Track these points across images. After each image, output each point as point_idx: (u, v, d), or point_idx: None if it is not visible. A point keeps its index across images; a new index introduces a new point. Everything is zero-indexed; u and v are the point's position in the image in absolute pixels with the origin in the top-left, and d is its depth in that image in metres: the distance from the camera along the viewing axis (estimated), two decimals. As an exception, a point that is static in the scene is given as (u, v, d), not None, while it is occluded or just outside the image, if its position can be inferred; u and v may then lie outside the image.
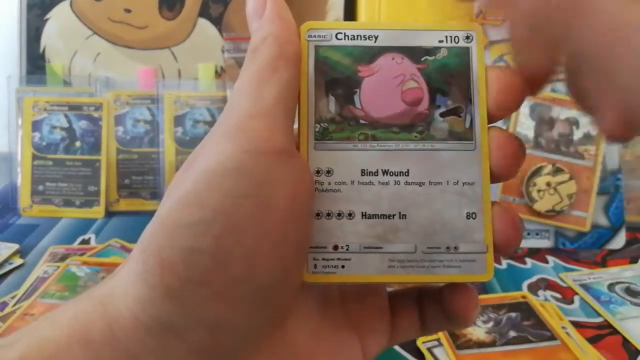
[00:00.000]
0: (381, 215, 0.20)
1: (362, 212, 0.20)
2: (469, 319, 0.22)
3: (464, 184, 0.20)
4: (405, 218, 0.20)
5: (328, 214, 0.20)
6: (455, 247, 0.20)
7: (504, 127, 0.50)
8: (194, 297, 0.16)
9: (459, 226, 0.20)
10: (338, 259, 0.20)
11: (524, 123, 0.49)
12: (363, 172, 0.20)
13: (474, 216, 0.20)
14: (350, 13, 0.60)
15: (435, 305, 0.22)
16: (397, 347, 0.35)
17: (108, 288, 0.18)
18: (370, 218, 0.20)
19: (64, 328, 0.17)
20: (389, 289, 0.24)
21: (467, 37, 0.21)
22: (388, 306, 0.23)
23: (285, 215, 0.17)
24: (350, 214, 0.20)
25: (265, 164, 0.17)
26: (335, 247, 0.20)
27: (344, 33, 0.21)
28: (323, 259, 0.20)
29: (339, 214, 0.20)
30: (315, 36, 0.21)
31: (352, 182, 0.20)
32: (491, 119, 0.21)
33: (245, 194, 0.17)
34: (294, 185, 0.18)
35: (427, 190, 0.20)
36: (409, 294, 0.23)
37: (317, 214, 0.20)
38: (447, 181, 0.20)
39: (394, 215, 0.20)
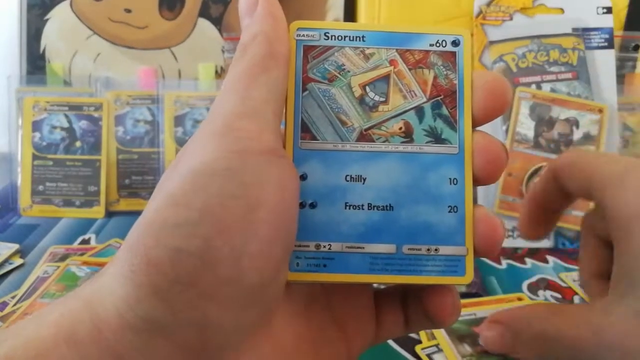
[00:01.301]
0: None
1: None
2: (448, 320, 0.22)
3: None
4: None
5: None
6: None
7: (504, 127, 0.50)
8: (181, 297, 0.16)
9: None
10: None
11: (523, 123, 0.49)
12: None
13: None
14: (350, 13, 0.60)
15: (418, 305, 0.22)
16: (398, 348, 0.35)
17: (95, 287, 0.18)
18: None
19: (50, 327, 0.17)
20: (375, 287, 0.24)
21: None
22: (373, 305, 0.23)
23: (273, 215, 0.17)
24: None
25: (254, 165, 0.17)
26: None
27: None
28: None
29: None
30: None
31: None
32: (476, 123, 0.21)
33: (232, 194, 0.17)
34: (282, 186, 0.18)
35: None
36: (393, 293, 0.24)
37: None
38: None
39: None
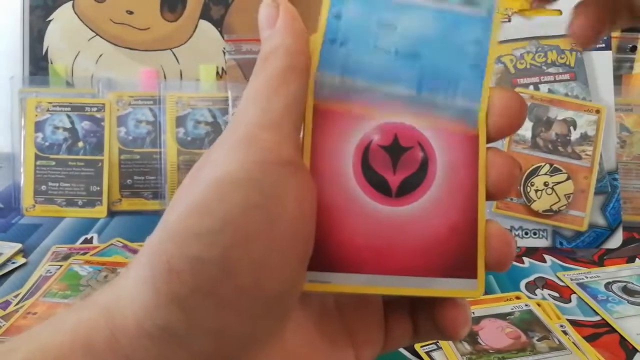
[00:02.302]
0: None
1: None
2: (458, 333, 0.22)
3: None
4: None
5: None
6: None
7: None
8: (200, 306, 0.17)
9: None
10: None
11: (522, 124, 0.50)
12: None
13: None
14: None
15: (427, 316, 0.22)
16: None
17: (113, 294, 0.18)
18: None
19: (66, 334, 0.17)
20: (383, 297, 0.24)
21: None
22: (383, 315, 0.23)
23: (292, 226, 0.18)
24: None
25: (274, 176, 0.17)
26: None
27: None
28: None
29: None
30: None
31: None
32: (490, 139, 0.21)
33: (254, 204, 0.17)
34: (301, 197, 0.18)
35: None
36: (402, 303, 0.24)
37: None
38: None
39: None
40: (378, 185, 0.20)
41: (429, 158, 0.21)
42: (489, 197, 0.21)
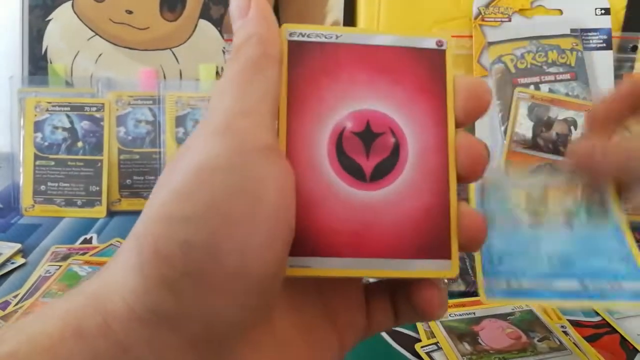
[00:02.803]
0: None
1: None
2: (434, 313, 0.22)
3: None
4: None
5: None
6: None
7: (502, 128, 0.50)
8: (189, 288, 0.17)
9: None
10: None
11: (522, 123, 0.50)
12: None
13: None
14: (350, 14, 0.61)
15: (406, 298, 0.23)
16: (397, 347, 0.35)
17: (101, 281, 0.18)
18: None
19: (56, 322, 0.17)
20: (364, 281, 0.25)
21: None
22: (363, 298, 0.24)
23: (275, 210, 0.18)
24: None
25: (253, 161, 0.18)
26: None
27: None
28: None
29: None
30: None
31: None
32: (458, 124, 0.22)
33: (237, 189, 0.17)
34: (281, 181, 0.19)
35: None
36: (382, 287, 0.24)
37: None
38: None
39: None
40: (352, 170, 0.21)
41: (400, 143, 0.21)
42: (461, 179, 0.22)
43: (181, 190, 0.17)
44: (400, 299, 0.23)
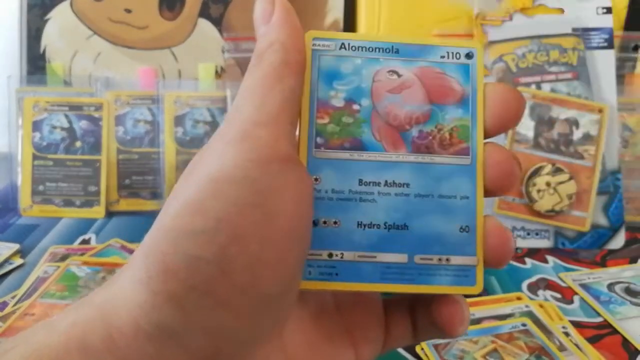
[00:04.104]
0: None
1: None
2: (456, 330, 0.22)
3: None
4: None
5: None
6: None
7: (504, 127, 0.50)
8: (197, 304, 0.16)
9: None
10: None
11: (523, 123, 0.49)
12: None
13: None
14: (350, 14, 0.60)
15: (426, 314, 0.22)
16: (398, 349, 0.35)
17: (108, 294, 0.18)
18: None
19: (61, 334, 0.17)
20: (383, 297, 0.24)
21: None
22: (382, 314, 0.23)
23: (289, 223, 0.17)
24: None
25: (270, 173, 0.17)
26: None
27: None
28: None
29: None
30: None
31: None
32: (488, 134, 0.21)
33: (250, 202, 0.17)
34: (298, 194, 0.18)
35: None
36: (402, 302, 0.24)
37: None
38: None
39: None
40: None
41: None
42: (488, 193, 0.21)
43: (193, 204, 0.17)
44: (420, 314, 0.23)
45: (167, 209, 0.18)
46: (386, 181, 0.21)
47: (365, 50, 0.21)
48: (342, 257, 0.20)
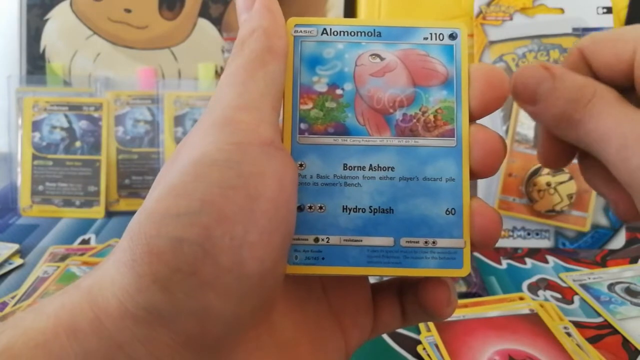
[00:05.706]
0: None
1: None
2: (444, 312, 0.22)
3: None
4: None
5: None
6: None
7: (504, 127, 0.50)
8: (182, 286, 0.17)
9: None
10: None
11: (524, 123, 0.49)
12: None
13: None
14: (350, 12, 0.60)
15: (415, 298, 0.22)
16: (398, 349, 0.35)
17: (95, 278, 0.18)
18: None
19: (50, 318, 0.17)
20: (371, 281, 0.24)
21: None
22: (370, 298, 0.23)
23: (272, 205, 0.18)
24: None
25: (252, 156, 0.18)
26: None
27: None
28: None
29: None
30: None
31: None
32: (473, 116, 0.21)
33: (233, 185, 0.17)
34: (280, 177, 0.18)
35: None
36: (390, 286, 0.24)
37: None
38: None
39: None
40: None
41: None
42: (474, 175, 0.21)
43: (176, 186, 0.17)
44: (409, 298, 0.23)
45: (151, 193, 0.18)
46: (371, 165, 0.21)
47: (348, 35, 0.21)
48: (328, 242, 0.20)
